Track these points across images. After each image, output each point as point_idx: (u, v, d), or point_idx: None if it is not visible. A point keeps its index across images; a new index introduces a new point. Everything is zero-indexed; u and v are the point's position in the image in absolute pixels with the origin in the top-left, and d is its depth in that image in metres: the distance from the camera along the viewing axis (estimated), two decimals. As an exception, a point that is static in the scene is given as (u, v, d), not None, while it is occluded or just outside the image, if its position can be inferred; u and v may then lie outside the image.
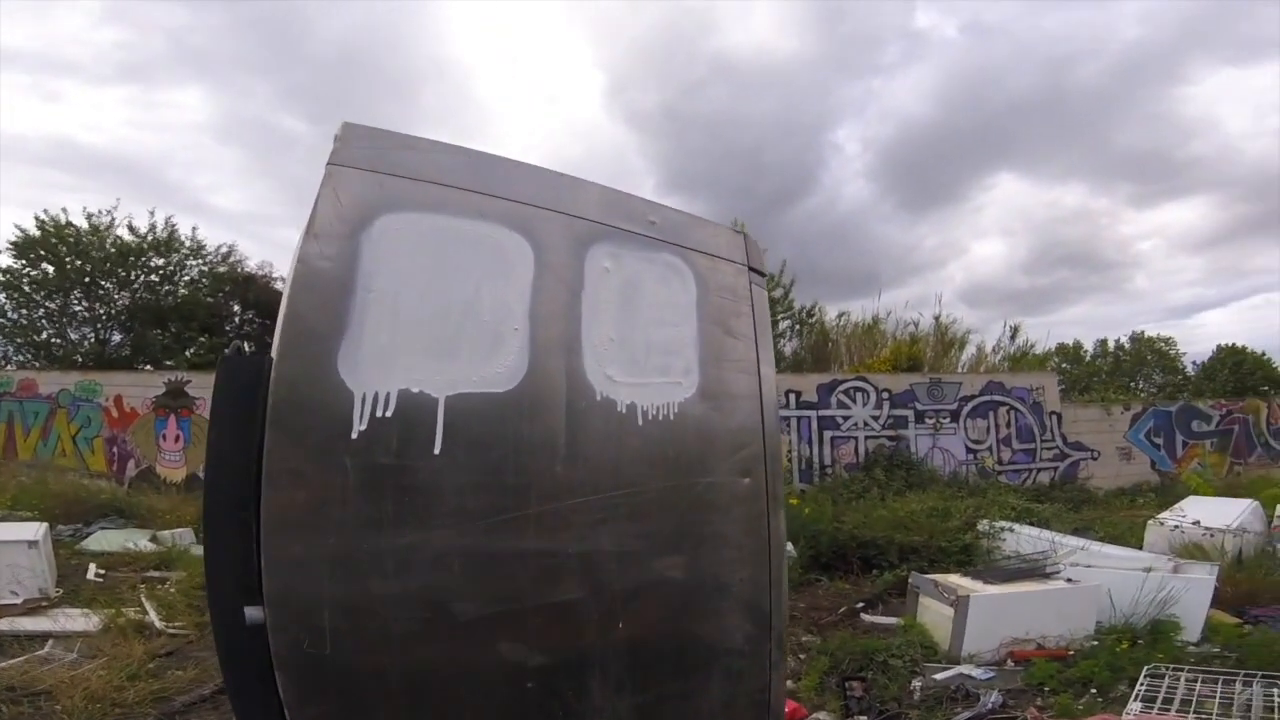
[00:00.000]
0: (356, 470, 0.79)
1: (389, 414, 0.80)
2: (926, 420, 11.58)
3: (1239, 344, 23.41)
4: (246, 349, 0.87)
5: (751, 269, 1.23)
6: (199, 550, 6.98)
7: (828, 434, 11.28)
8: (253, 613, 0.79)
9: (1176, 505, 6.72)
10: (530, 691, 0.88)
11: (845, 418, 11.39)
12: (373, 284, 0.82)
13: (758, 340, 1.18)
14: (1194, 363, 24.41)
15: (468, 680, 0.87)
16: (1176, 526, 5.94)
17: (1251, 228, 47.81)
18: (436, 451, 0.81)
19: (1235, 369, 21.75)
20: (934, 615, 4.51)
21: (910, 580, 4.91)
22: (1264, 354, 22.76)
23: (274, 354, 0.81)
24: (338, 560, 0.80)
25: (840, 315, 16.20)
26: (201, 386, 10.98)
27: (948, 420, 11.70)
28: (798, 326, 16.30)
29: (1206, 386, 20.20)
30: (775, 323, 15.93)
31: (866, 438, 11.35)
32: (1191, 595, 4.46)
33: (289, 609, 0.79)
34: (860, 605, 5.21)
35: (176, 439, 10.89)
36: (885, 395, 11.59)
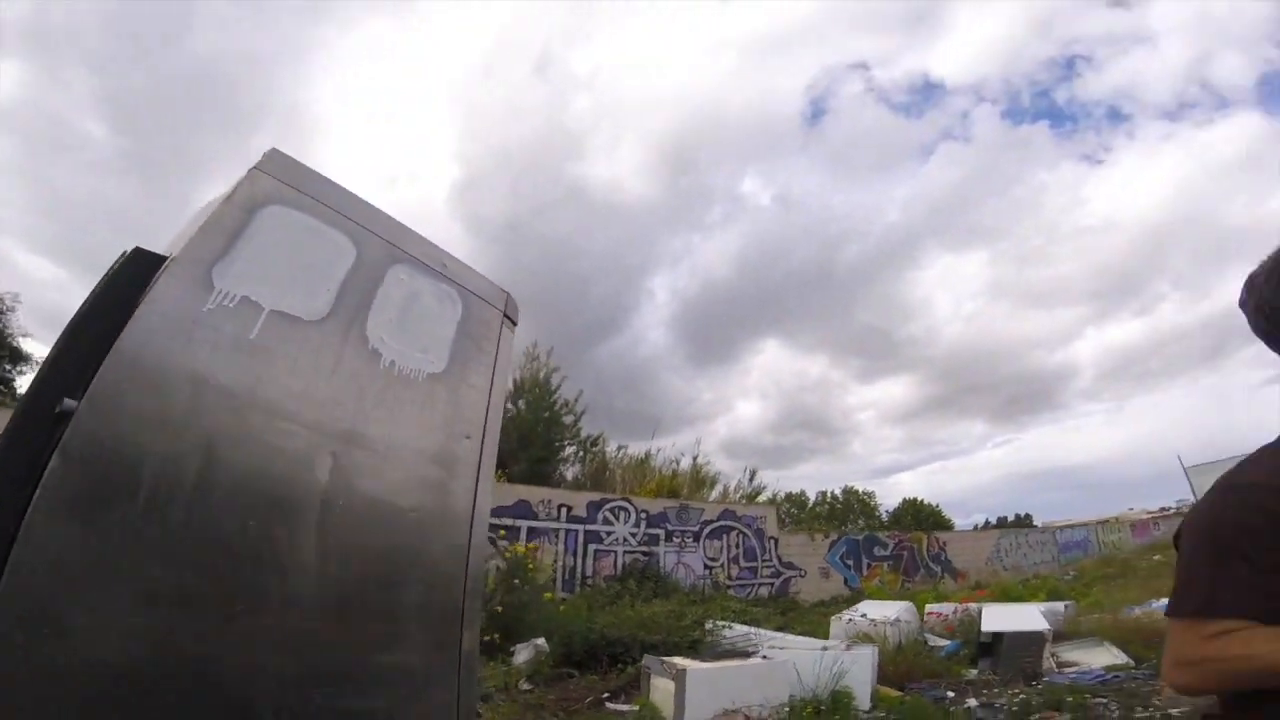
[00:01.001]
0: (199, 330, 1.13)
1: (231, 305, 1.17)
2: (674, 539, 12.94)
3: (919, 498, 30.05)
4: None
5: (506, 315, 1.70)
6: None
7: (592, 547, 12.02)
8: (69, 402, 0.97)
9: (855, 606, 8.28)
10: (253, 510, 1.14)
11: (609, 533, 12.27)
12: (254, 237, 1.23)
13: (497, 359, 1.65)
14: (886, 511, 29.87)
15: (213, 480, 1.10)
16: (850, 620, 7.33)
17: (937, 405, 59.79)
18: (251, 337, 1.18)
19: (915, 515, 27.47)
20: (662, 693, 5.08)
21: (643, 662, 5.50)
22: (936, 505, 29.51)
23: (171, 256, 1.16)
24: (154, 381, 1.07)
25: (620, 448, 17.47)
26: None
27: (691, 540, 13.19)
28: (581, 453, 17.13)
29: (894, 528, 24.85)
30: (561, 445, 16.58)
31: (625, 552, 12.33)
32: (858, 668, 5.47)
33: (101, 407, 0.99)
34: (605, 696, 5.62)
35: None
36: (644, 515, 12.82)
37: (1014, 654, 6.66)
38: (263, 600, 1.15)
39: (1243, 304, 1.17)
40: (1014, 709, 5.12)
